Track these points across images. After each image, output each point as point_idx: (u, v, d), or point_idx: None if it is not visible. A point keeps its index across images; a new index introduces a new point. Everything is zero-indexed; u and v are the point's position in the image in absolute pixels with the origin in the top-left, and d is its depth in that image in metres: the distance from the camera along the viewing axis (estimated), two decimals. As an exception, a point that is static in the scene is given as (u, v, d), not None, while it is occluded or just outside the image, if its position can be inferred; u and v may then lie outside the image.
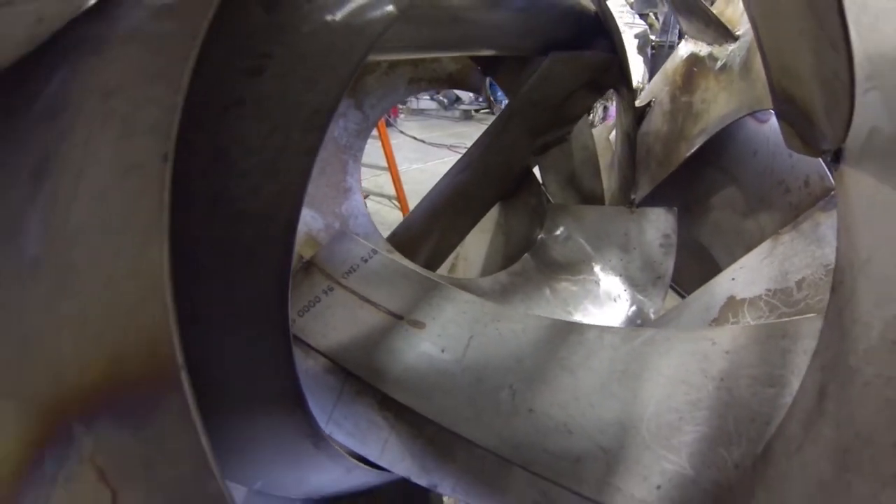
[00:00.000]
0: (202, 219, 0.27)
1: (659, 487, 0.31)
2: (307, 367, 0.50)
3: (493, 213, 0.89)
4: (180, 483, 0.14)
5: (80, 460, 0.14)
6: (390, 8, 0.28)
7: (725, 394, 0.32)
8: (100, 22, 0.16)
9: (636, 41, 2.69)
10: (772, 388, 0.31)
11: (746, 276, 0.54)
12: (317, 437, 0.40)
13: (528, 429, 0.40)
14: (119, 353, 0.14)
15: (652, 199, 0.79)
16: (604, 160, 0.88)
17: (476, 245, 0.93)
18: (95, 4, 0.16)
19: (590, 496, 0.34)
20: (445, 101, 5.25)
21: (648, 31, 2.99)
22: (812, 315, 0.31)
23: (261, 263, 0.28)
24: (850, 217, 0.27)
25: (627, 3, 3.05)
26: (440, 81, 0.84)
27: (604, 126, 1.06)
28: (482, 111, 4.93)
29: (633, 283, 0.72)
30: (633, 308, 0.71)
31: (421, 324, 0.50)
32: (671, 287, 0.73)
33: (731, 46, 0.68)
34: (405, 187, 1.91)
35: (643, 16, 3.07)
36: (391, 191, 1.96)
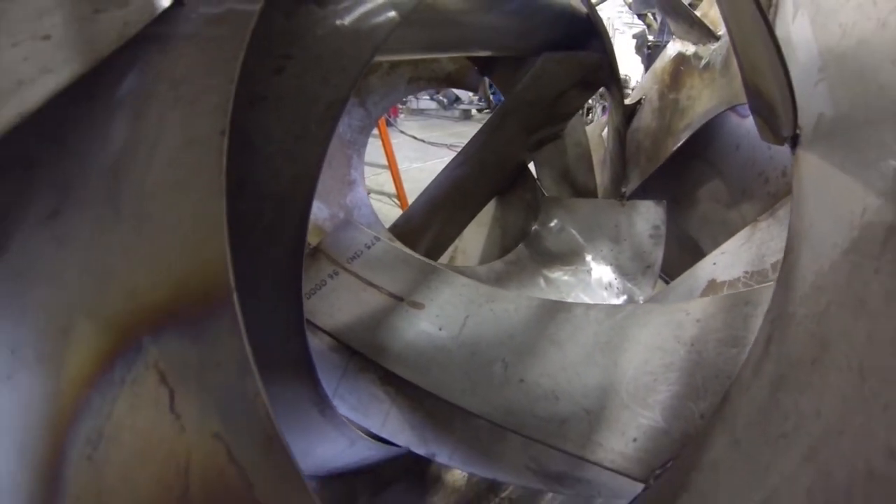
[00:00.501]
0: (230, 198, 0.31)
1: (635, 440, 0.35)
2: (314, 345, 0.54)
3: (490, 207, 0.93)
4: (226, 383, 0.18)
5: (145, 366, 0.18)
6: (393, 14, 0.33)
7: (695, 356, 0.37)
8: (166, 26, 0.21)
9: (634, 41, 2.73)
10: (734, 348, 0.35)
11: (726, 261, 0.58)
12: (323, 405, 0.44)
13: (519, 397, 0.44)
14: (184, 279, 0.18)
15: (642, 193, 0.83)
16: (597, 156, 0.92)
17: (474, 238, 0.97)
18: (161, 13, 0.20)
19: (574, 452, 0.38)
20: (445, 100, 5.32)
21: (647, 31, 3.02)
22: (770, 283, 0.35)
23: (279, 238, 0.33)
24: (800, 192, 0.32)
25: (626, 3, 3.08)
26: (439, 80, 0.88)
27: (597, 123, 1.10)
28: (483, 111, 4.99)
29: (623, 272, 0.77)
30: (624, 296, 0.75)
31: (420, 304, 0.55)
32: (660, 277, 0.77)
33: (714, 46, 0.72)
34: (405, 186, 1.96)
35: (641, 16, 3.10)
36: (392, 189, 2.01)
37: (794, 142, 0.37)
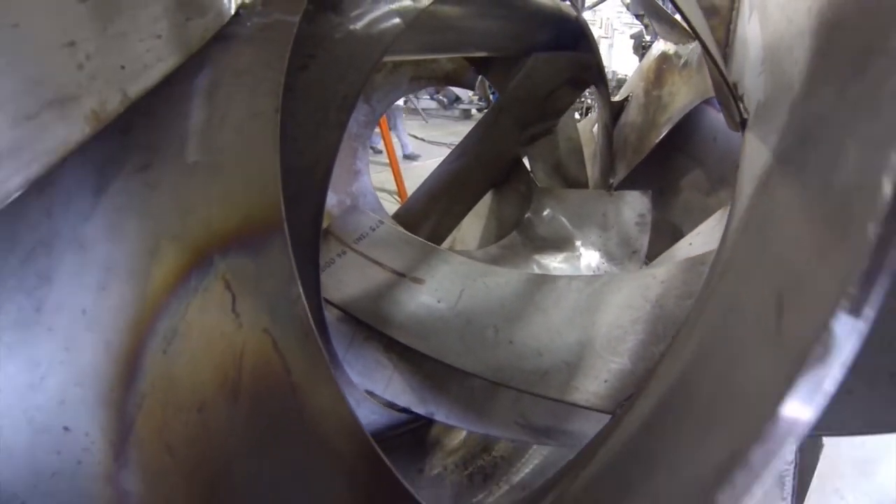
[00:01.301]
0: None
1: (606, 381, 0.42)
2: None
3: (486, 200, 1.00)
4: (276, 289, 0.25)
5: (214, 277, 0.25)
6: (398, 20, 0.40)
7: (658, 310, 0.43)
8: (229, 30, 0.28)
9: (632, 41, 2.81)
10: (689, 300, 0.42)
11: (701, 240, 0.65)
12: (333, 364, 0.51)
13: (508, 355, 0.51)
14: (248, 213, 0.26)
15: (629, 184, 0.90)
16: (588, 150, 0.99)
17: (471, 229, 1.04)
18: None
19: (556, 397, 0.45)
20: (445, 100, 5.44)
21: (644, 31, 3.09)
22: (721, 246, 0.42)
23: (302, 205, 0.40)
24: (741, 168, 0.39)
25: (624, 4, 3.15)
26: (438, 79, 0.96)
27: (588, 119, 1.17)
28: (483, 111, 5.10)
29: (611, 257, 0.83)
30: (612, 279, 0.81)
31: (421, 280, 0.61)
32: (645, 262, 0.83)
33: (691, 45, 0.80)
34: (405, 183, 2.04)
35: (639, 16, 3.17)
36: (392, 186, 2.09)
37: (743, 126, 0.44)
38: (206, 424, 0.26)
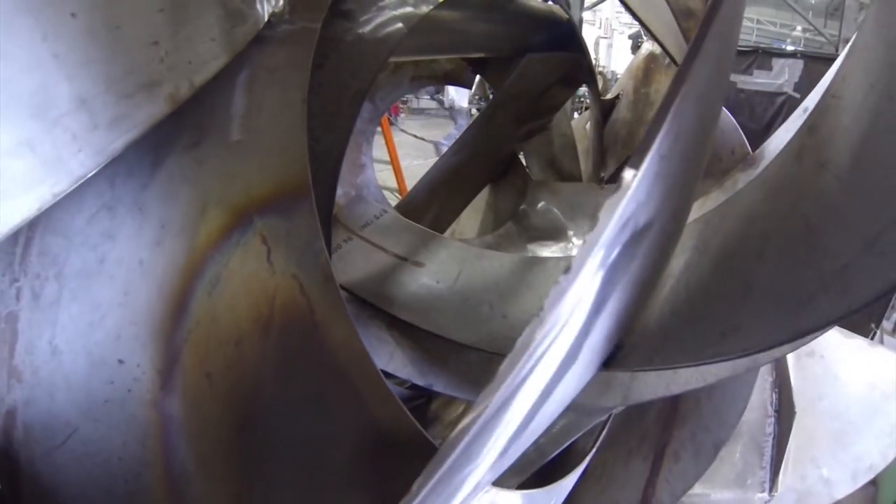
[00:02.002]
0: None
1: (587, 344, 0.48)
2: (331, 297, 0.67)
3: (483, 194, 1.07)
4: (303, 242, 0.32)
5: (253, 233, 0.32)
6: (401, 25, 0.48)
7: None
8: (263, 33, 0.35)
9: (630, 41, 2.91)
10: (661, 272, 0.48)
11: (682, 227, 0.71)
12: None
13: (501, 327, 0.57)
14: (282, 181, 0.32)
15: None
16: (581, 146, 1.06)
17: (469, 222, 1.10)
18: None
19: (542, 361, 0.51)
20: (445, 100, 5.56)
21: (642, 31, 3.17)
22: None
23: (318, 185, 0.47)
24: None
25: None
26: (437, 78, 1.04)
27: (581, 117, 1.24)
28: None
29: (602, 246, 0.89)
30: (604, 267, 0.87)
31: (421, 263, 0.68)
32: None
33: (675, 47, 0.87)
34: (406, 182, 2.12)
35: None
36: (393, 184, 2.17)
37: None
38: (242, 355, 0.32)
